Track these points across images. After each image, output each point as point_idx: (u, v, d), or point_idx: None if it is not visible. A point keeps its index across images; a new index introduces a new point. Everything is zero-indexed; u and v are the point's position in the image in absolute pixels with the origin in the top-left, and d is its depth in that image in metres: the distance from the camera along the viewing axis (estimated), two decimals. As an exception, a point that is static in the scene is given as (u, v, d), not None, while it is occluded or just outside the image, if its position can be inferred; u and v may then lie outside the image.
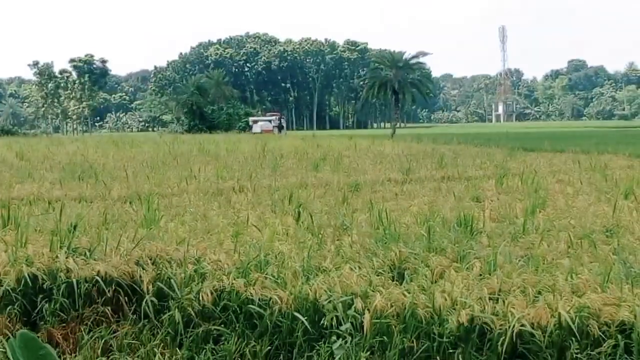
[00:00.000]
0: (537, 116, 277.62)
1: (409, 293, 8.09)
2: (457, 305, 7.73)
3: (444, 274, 9.01)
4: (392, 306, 7.87)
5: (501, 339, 7.20)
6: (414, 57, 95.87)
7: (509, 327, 7.21)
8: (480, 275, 8.86)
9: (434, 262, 9.53)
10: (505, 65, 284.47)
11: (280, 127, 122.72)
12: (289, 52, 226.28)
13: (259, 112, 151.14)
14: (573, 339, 7.12)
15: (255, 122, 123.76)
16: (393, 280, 9.02)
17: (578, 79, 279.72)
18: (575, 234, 11.36)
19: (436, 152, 37.86)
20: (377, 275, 9.06)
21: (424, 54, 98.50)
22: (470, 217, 12.25)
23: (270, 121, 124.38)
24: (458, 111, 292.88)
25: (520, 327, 7.23)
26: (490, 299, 7.82)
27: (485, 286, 8.17)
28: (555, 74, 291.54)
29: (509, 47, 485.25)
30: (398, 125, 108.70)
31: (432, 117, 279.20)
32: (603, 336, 7.15)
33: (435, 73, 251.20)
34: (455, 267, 9.28)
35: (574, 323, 7.17)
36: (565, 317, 7.19)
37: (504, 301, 7.71)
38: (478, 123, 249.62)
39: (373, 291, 8.27)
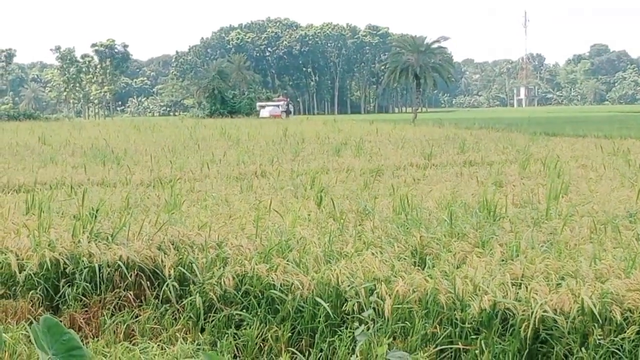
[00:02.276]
0: (559, 101, 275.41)
1: (431, 278, 8.07)
2: (479, 290, 7.70)
3: (466, 260, 8.99)
4: (414, 292, 7.86)
5: (524, 324, 7.17)
6: (435, 41, 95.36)
7: (532, 312, 7.18)
8: (503, 260, 8.83)
9: (456, 248, 9.52)
10: (527, 50, 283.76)
11: (288, 112, 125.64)
12: (310, 37, 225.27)
13: (280, 97, 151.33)
14: (596, 325, 7.07)
15: (262, 107, 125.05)
16: (415, 266, 9.01)
17: (600, 63, 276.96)
18: (598, 220, 11.27)
19: (458, 137, 37.77)
20: (399, 261, 9.05)
21: (445, 38, 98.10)
22: (493, 202, 12.19)
23: (278, 106, 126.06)
24: (480, 96, 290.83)
25: (543, 313, 7.19)
26: (512, 284, 7.78)
27: (507, 272, 8.13)
28: (577, 59, 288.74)
29: (531, 32, 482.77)
30: (419, 109, 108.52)
31: (453, 102, 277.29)
32: (626, 323, 7.10)
33: (457, 58, 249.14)
34: (477, 253, 9.25)
35: (596, 309, 7.12)
36: (588, 302, 7.14)
37: (526, 287, 7.66)
38: (500, 107, 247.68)
39: (395, 276, 8.26)
